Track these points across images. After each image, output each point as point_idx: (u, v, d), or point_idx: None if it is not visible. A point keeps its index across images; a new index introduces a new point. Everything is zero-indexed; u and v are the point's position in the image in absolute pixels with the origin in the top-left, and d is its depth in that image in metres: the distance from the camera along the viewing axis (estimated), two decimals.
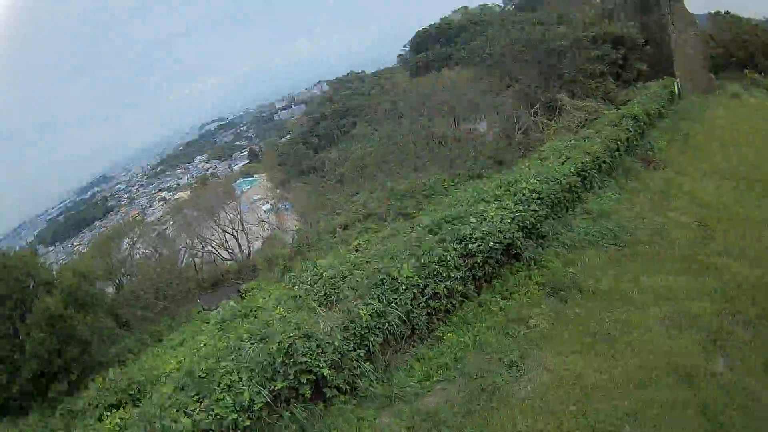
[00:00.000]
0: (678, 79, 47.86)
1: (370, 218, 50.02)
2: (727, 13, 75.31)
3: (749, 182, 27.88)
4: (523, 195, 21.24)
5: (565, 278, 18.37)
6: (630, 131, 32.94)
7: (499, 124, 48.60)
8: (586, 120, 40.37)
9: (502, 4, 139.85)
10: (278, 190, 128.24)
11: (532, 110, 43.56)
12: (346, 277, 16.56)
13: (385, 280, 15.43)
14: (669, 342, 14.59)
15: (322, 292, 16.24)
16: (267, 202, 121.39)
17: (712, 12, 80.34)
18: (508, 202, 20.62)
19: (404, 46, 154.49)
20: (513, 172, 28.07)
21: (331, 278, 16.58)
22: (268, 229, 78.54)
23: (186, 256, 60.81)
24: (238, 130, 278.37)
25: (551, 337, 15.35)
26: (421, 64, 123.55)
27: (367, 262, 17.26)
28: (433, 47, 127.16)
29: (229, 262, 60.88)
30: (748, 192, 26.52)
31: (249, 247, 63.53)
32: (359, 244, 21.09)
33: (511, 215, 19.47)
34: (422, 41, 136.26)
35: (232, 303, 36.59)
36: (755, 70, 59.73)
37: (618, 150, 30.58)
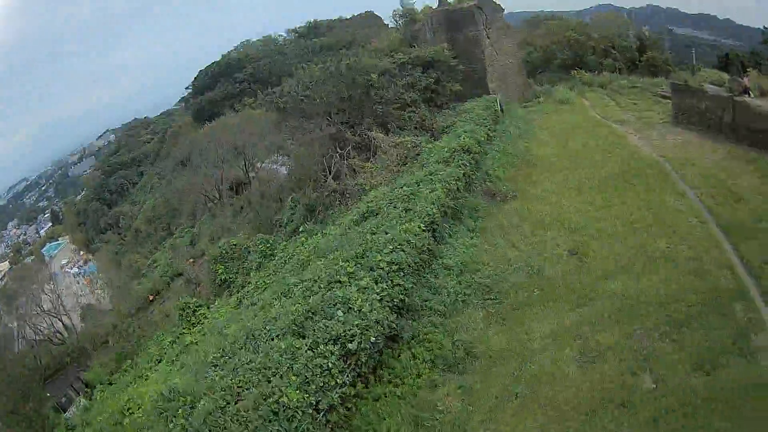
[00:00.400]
0: (499, 95, 53.29)
1: (177, 280, 54.67)
2: (547, 13, 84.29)
3: (602, 194, 33.23)
4: (382, 269, 23.46)
5: (457, 350, 21.33)
6: (466, 165, 36.96)
7: (303, 168, 49.96)
8: (407, 157, 43.06)
9: (284, 34, 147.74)
10: (82, 252, 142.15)
11: (344, 152, 45.13)
12: (224, 407, 17.21)
13: (277, 411, 16.76)
14: (591, 376, 18.54)
15: (206, 430, 16.71)
16: (74, 265, 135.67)
17: (530, 17, 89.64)
18: (366, 280, 22.71)
19: (186, 88, 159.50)
20: (350, 237, 30.33)
21: (210, 413, 17.07)
22: (83, 295, 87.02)
23: (21, 343, 65.08)
24: (40, 190, 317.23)
25: (470, 414, 17.97)
26: (205, 105, 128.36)
27: (238, 385, 17.99)
28: (217, 86, 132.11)
29: (61, 346, 61.72)
30: (606, 206, 31.64)
31: (75, 329, 67.38)
32: (216, 357, 21.50)
33: (378, 297, 21.60)
34: (205, 81, 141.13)
35: (83, 401, 39.66)
36: (585, 70, 67.07)
37: (459, 190, 34.15)
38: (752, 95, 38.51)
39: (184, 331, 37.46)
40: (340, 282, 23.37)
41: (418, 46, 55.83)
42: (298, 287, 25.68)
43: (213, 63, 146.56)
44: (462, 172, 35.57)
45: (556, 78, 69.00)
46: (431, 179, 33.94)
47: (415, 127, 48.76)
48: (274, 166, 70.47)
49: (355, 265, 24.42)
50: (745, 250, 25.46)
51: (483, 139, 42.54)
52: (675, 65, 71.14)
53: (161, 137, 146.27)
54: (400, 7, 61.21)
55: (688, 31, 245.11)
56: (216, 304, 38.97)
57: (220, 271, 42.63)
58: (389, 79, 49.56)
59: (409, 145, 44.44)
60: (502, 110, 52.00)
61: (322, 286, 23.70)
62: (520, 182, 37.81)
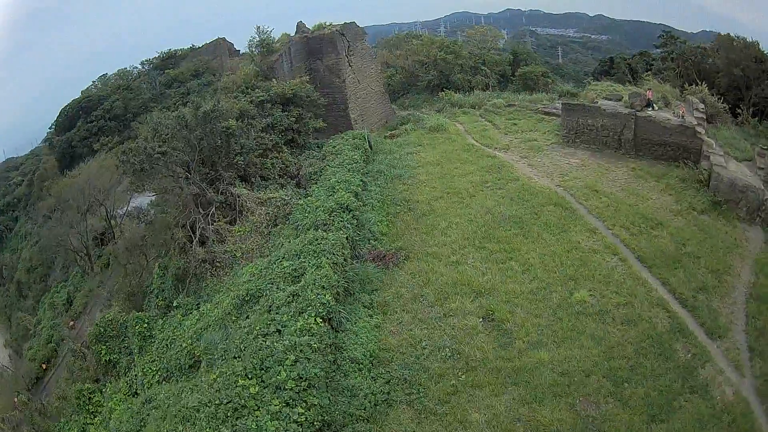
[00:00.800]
0: (366, 130, 53.16)
1: (63, 347, 55.88)
2: (403, 26, 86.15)
3: (503, 242, 33.72)
4: (290, 389, 22.96)
5: None
6: (348, 228, 36.83)
7: (164, 232, 48.27)
8: (276, 216, 42.29)
9: (139, 66, 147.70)
10: None
11: (208, 212, 43.33)
12: None
13: None
14: None
15: None
16: None
17: (393, 35, 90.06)
18: (276, 404, 22.25)
19: (50, 127, 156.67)
20: (237, 334, 29.18)
21: None
22: None
23: None
24: None
25: None
26: (66, 146, 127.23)
27: None
28: (77, 124, 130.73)
29: None
30: (511, 257, 32.15)
31: None
32: None
33: (298, 427, 21.27)
34: (68, 120, 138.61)
35: None
36: (453, 90, 67.92)
37: (345, 260, 33.69)
38: (656, 107, 39.84)
39: (87, 421, 38.06)
40: (246, 407, 22.72)
41: (277, 79, 54.90)
42: (201, 412, 24.37)
43: (73, 100, 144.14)
44: (345, 235, 35.20)
45: (420, 100, 69.77)
46: (313, 250, 33.25)
47: (279, 176, 48.42)
48: (136, 222, 69.89)
49: (258, 382, 23.76)
50: (675, 282, 26.86)
51: (359, 189, 42.32)
52: (554, 76, 73.47)
53: (30, 180, 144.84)
54: (257, 36, 59.90)
55: (552, 31, 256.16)
56: (108, 389, 38.89)
57: (103, 351, 42.63)
58: (248, 122, 48.36)
59: (278, 203, 43.49)
60: (370, 146, 51.80)
61: (228, 414, 22.93)
62: (410, 238, 36.98)
